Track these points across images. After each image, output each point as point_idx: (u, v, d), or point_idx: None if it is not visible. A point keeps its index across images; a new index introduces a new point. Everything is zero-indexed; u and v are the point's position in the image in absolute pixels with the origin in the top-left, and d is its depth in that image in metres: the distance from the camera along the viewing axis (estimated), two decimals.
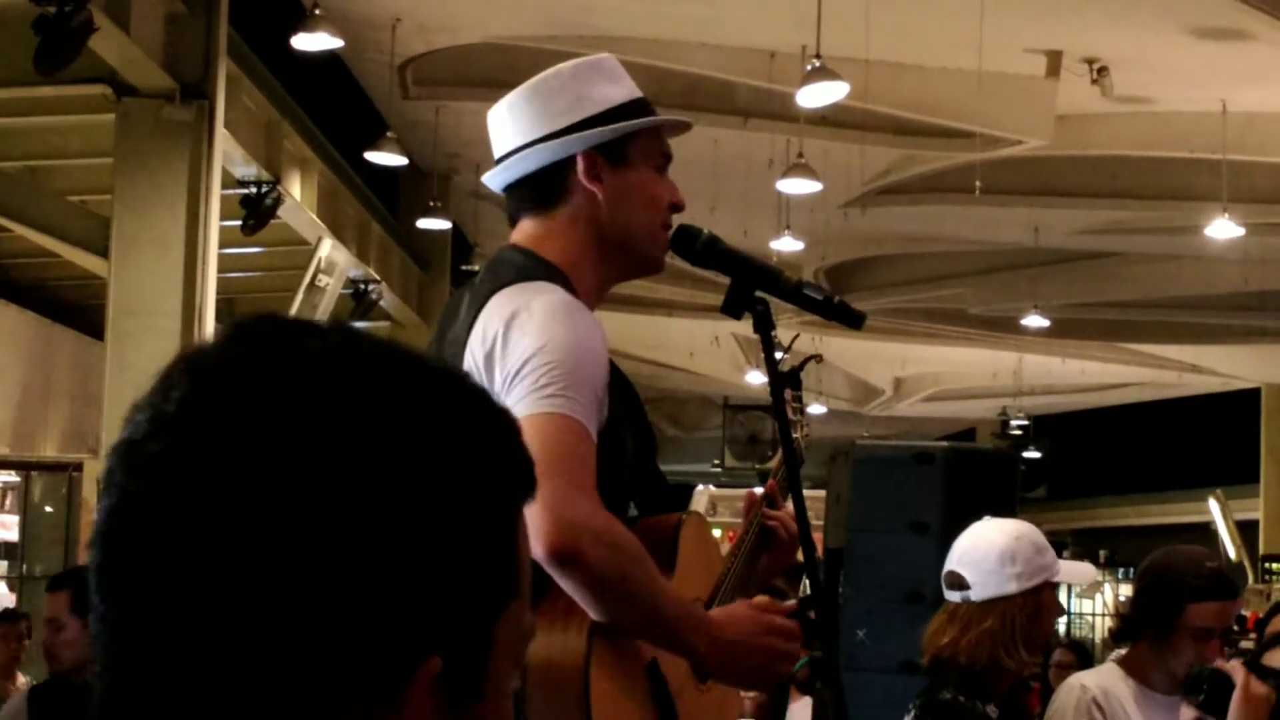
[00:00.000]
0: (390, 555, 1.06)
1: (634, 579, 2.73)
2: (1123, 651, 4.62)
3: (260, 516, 1.04)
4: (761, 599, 3.00)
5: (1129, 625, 4.54)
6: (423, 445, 1.09)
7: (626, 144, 3.07)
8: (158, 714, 1.07)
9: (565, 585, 2.68)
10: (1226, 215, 15.69)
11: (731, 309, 3.08)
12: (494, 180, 3.11)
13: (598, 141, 3.04)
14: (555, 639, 2.76)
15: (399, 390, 1.11)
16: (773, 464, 3.39)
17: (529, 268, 2.98)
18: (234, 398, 1.08)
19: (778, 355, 3.11)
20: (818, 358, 3.26)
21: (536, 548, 2.61)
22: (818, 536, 9.49)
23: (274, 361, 1.10)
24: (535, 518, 2.60)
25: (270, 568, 1.04)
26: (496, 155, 3.09)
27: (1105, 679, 4.52)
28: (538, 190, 3.05)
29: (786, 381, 3.27)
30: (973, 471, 7.51)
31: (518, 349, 2.79)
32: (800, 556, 3.17)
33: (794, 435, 3.20)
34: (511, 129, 3.05)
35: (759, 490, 3.35)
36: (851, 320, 3.17)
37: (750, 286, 3.07)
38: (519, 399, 2.73)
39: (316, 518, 1.04)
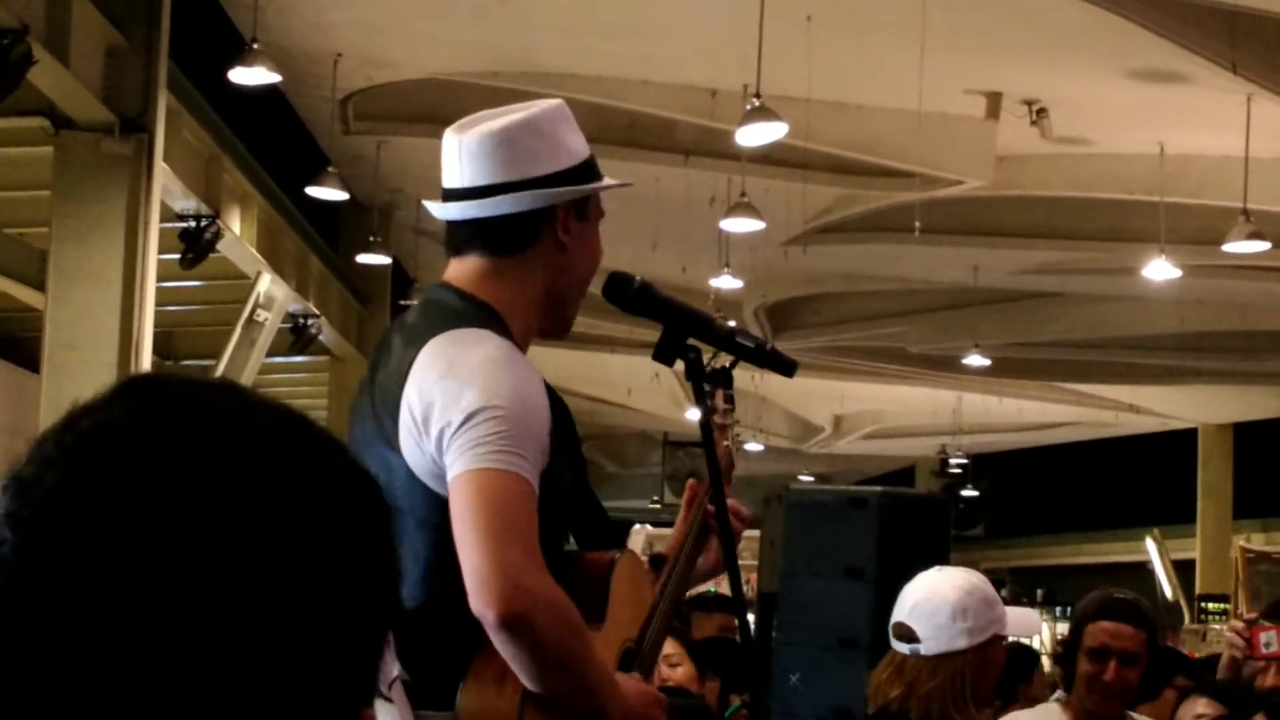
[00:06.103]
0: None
1: (573, 650, 2.74)
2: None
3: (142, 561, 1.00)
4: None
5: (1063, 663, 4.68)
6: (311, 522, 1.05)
7: (589, 198, 3.05)
8: None
9: (507, 650, 2.67)
10: (1164, 256, 15.78)
11: (664, 356, 3.08)
12: (457, 213, 3.00)
13: (582, 195, 3.01)
14: (488, 700, 2.77)
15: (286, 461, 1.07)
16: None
17: (466, 312, 2.92)
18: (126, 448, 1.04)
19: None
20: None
21: (487, 610, 2.63)
22: (751, 579, 9.54)
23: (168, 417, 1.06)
24: (489, 580, 2.63)
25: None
26: (454, 185, 2.98)
27: (1037, 715, 4.66)
28: (505, 232, 2.97)
29: (719, 384, 3.27)
30: (907, 516, 7.45)
31: (460, 401, 2.74)
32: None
33: (724, 441, 3.21)
34: (486, 165, 2.94)
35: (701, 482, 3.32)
36: (783, 368, 3.18)
37: (682, 334, 3.07)
38: (464, 451, 2.70)
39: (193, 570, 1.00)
